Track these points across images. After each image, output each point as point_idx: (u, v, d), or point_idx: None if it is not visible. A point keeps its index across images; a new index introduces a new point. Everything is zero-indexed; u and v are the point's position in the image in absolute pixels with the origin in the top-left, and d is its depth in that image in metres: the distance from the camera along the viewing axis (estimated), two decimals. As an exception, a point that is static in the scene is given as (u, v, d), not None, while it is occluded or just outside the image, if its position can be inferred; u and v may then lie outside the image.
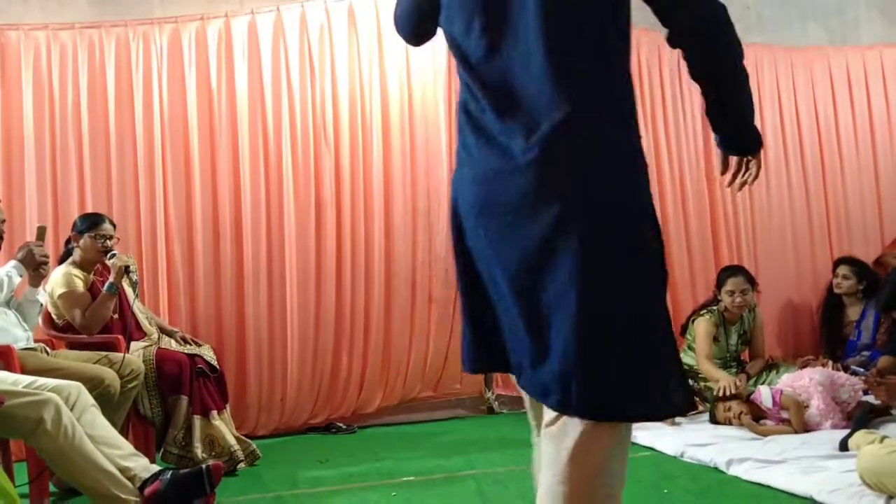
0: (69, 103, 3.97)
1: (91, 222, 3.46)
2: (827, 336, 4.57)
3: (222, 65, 4.09)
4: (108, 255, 3.39)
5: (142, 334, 3.51)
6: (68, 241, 3.55)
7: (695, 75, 1.44)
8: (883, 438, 2.87)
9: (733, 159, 1.57)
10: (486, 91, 1.40)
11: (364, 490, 3.03)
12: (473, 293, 1.47)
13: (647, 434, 3.49)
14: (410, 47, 4.27)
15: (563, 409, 1.30)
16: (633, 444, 3.51)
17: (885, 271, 4.94)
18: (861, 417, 3.28)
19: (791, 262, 4.98)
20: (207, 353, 3.56)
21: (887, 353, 3.63)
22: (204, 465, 2.54)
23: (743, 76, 1.45)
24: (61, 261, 3.52)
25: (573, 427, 1.29)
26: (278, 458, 3.58)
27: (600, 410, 1.28)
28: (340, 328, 4.19)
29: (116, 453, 2.53)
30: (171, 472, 2.52)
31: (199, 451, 3.24)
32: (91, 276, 3.46)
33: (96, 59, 4.01)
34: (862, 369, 3.36)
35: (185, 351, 3.47)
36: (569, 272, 1.28)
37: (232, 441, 3.36)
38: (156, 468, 2.55)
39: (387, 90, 4.28)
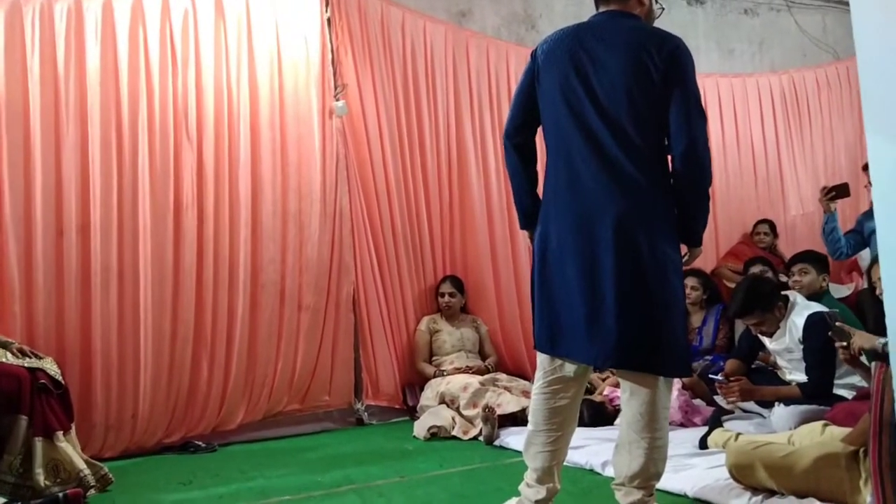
0: None
1: None
2: (674, 342, 4.87)
3: (71, 48, 3.71)
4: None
5: (-30, 346, 3.07)
6: None
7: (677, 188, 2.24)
8: (737, 436, 3.10)
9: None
10: None
11: (237, 511, 2.83)
12: None
13: (520, 440, 3.51)
14: (282, 39, 4.18)
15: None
16: (507, 449, 3.56)
17: (720, 282, 5.39)
18: (715, 417, 3.51)
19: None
20: (50, 366, 3.20)
21: (732, 356, 3.90)
22: (61, 493, 2.28)
23: (706, 201, 2.29)
24: None
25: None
26: (133, 481, 3.28)
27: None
28: (200, 338, 3.92)
29: (-51, 485, 2.18)
30: None
31: (41, 478, 2.90)
32: None
33: (-87, 30, 3.50)
34: (719, 377, 3.59)
35: (25, 365, 3.08)
36: None
37: (81, 464, 3.04)
38: (0, 500, 2.22)
39: (256, 84, 4.08)
